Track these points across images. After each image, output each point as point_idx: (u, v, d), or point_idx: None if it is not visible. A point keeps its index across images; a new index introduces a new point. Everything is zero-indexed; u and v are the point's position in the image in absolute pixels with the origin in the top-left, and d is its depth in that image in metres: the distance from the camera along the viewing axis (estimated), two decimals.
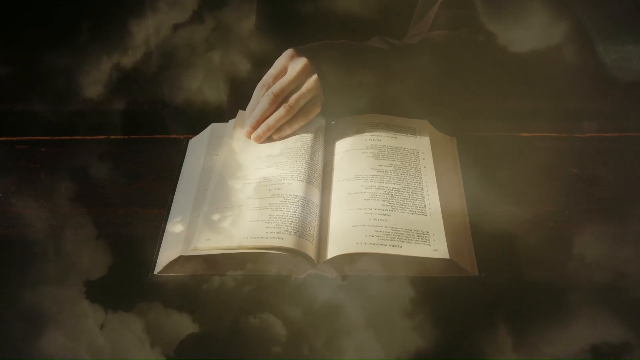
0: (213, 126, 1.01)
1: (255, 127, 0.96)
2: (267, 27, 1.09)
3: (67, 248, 0.88)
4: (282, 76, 0.96)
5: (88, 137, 1.04)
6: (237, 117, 1.00)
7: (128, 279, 0.85)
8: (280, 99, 0.95)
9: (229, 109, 1.11)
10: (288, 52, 0.97)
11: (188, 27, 1.04)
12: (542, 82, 1.10)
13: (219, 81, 1.08)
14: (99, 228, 0.90)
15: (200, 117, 1.06)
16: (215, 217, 0.85)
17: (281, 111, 0.95)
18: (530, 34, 1.02)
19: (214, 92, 1.06)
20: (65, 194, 0.95)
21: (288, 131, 0.96)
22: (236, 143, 0.96)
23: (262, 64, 1.03)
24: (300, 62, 0.96)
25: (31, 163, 1.00)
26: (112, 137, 1.04)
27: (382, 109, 1.01)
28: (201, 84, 1.05)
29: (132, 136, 1.05)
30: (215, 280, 0.83)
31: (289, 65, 0.96)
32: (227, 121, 1.02)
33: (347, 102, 0.99)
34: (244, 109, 1.00)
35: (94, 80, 1.02)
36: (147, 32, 1.05)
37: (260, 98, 0.97)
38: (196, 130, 1.03)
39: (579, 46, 1.18)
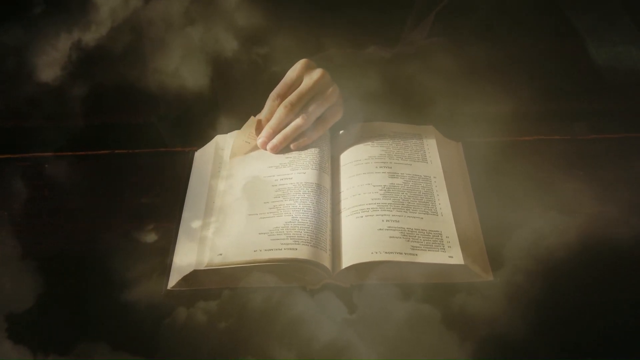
0: (218, 137, 1.01)
1: (270, 137, 0.97)
2: None
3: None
4: (297, 86, 0.96)
5: (91, 152, 1.03)
6: (248, 122, 1.00)
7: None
8: (297, 109, 0.96)
9: (213, 95, 1.08)
10: (302, 63, 0.99)
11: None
12: (538, 85, 1.11)
13: (200, 63, 0.99)
14: (102, 244, 0.85)
15: (194, 123, 1.04)
16: (225, 229, 0.85)
17: (299, 121, 0.96)
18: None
19: (195, 76, 0.98)
20: (65, 210, 0.92)
21: (307, 141, 0.97)
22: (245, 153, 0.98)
23: (250, 40, 1.00)
24: (317, 73, 0.97)
25: (35, 180, 0.99)
26: (117, 151, 1.03)
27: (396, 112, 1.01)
28: (179, 66, 0.98)
29: (136, 150, 1.04)
30: (181, 313, 0.68)
31: (305, 75, 0.97)
32: (227, 131, 1.01)
33: (365, 108, 1.00)
34: (233, 94, 0.98)
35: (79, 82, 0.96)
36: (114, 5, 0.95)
37: (275, 108, 0.97)
38: (197, 141, 1.02)
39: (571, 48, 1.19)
